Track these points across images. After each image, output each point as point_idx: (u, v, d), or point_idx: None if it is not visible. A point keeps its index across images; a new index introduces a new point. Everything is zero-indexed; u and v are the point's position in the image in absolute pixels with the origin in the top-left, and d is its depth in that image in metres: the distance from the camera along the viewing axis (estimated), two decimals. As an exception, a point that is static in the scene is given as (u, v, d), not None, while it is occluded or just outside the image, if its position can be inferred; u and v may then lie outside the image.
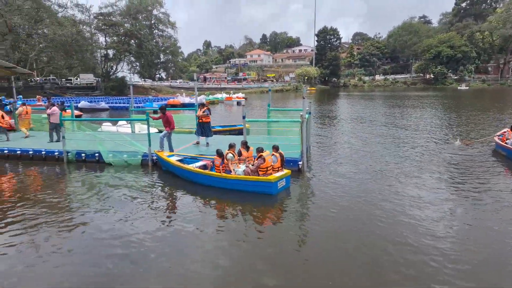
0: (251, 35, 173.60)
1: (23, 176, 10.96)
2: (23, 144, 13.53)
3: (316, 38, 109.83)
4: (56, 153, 12.26)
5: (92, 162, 11.91)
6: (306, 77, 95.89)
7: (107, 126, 17.28)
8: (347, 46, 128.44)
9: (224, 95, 52.06)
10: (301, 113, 10.31)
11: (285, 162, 9.28)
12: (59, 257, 5.78)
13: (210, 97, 50.21)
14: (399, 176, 10.04)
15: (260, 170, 8.67)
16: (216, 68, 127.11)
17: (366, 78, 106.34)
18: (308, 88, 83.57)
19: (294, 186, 9.28)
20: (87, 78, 61.16)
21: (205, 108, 12.62)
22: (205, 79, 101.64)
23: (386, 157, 12.47)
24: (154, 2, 68.72)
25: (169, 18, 72.21)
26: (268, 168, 8.68)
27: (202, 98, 40.04)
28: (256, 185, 8.46)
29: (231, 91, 58.91)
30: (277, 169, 8.86)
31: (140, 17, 66.83)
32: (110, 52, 66.53)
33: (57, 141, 13.66)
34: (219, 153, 9.21)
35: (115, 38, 65.28)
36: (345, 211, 7.44)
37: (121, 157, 11.58)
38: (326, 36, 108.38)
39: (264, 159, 8.64)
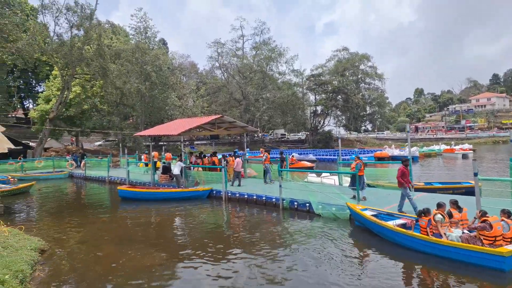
0: (475, 77, 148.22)
1: (248, 216, 12.57)
2: (248, 190, 15.36)
3: None
4: (273, 200, 13.27)
5: (303, 211, 12.16)
6: None
7: (312, 177, 17.76)
8: None
9: (442, 147, 45.47)
10: None
11: None
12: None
13: (425, 149, 44.83)
14: None
15: (485, 239, 6.92)
16: (430, 116, 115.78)
17: None
18: None
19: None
20: (280, 132, 75.09)
21: (357, 162, 12.31)
22: (416, 129, 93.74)
23: None
24: (362, 57, 70.57)
25: (376, 70, 71.98)
26: (497, 238, 6.81)
27: (415, 150, 36.36)
28: (480, 257, 6.79)
29: (452, 142, 50.77)
30: (509, 239, 6.86)
31: (347, 73, 69.68)
32: (319, 108, 72.01)
33: (238, 185, 16.48)
34: (425, 212, 7.97)
35: (323, 95, 70.22)
36: None
37: (329, 210, 11.36)
38: None
39: (491, 226, 6.88)
